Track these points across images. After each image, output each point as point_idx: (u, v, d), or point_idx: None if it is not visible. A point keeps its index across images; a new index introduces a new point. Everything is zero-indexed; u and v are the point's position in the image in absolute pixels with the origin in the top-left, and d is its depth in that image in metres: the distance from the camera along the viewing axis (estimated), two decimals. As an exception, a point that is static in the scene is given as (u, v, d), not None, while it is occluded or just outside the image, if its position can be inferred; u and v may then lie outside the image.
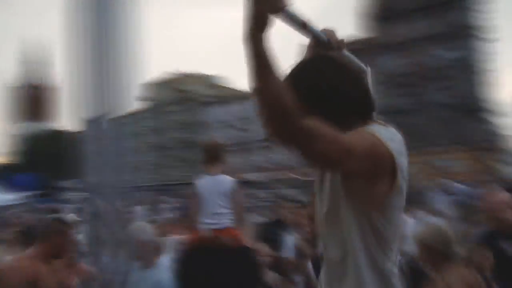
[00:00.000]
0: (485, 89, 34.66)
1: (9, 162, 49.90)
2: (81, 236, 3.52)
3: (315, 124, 1.21)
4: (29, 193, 17.57)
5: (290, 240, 5.14)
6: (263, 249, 4.57)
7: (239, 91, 44.45)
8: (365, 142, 1.27)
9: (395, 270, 1.41)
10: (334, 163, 1.25)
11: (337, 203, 1.42)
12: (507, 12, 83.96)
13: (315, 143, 1.20)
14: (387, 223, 1.39)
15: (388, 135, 1.35)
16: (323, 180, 1.49)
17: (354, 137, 1.27)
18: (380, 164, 1.30)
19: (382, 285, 1.39)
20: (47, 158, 43.06)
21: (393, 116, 34.68)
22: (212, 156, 4.00)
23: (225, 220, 3.80)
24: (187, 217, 3.96)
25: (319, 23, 1.48)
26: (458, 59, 34.24)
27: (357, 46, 34.87)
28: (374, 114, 1.47)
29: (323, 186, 1.49)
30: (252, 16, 1.17)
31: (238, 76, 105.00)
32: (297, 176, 22.43)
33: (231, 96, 45.89)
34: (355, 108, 1.41)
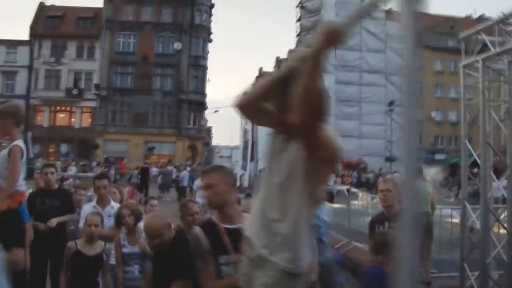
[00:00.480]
0: (202, 83, 39.53)
1: None
2: None
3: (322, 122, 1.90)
4: None
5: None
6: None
7: None
8: (334, 144, 1.99)
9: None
10: (318, 148, 1.91)
11: (293, 177, 1.95)
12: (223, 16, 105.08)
13: (319, 134, 1.90)
14: (319, 194, 2.22)
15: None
16: (278, 158, 2.02)
17: (330, 139, 1.98)
18: (334, 158, 2.02)
19: (310, 237, 2.10)
20: None
21: (118, 95, 38.04)
22: (16, 120, 3.97)
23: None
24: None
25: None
26: (182, 51, 38.44)
27: (89, 20, 38.72)
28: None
29: (279, 162, 2.01)
30: (324, 46, 1.72)
31: None
32: None
33: None
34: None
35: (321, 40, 1.70)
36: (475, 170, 6.87)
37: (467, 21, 45.72)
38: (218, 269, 2.47)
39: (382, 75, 35.07)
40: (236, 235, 2.35)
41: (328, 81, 31.11)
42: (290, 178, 1.97)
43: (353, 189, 14.42)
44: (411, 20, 1.35)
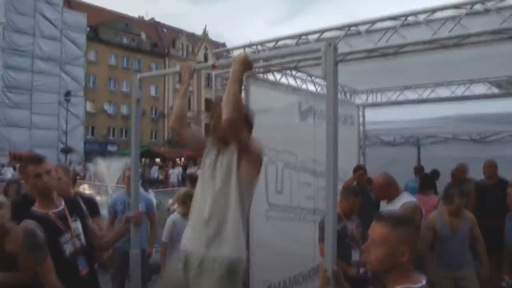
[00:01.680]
0: None
1: None
2: None
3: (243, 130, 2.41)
4: None
5: None
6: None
7: None
8: (259, 146, 2.51)
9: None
10: (247, 149, 2.41)
11: (228, 177, 2.43)
12: None
13: (242, 138, 2.38)
14: (252, 195, 2.55)
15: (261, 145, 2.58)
16: (216, 164, 2.52)
17: (256, 142, 2.50)
18: (260, 158, 2.49)
19: (244, 234, 2.48)
20: None
21: None
22: None
23: None
24: None
25: None
26: None
27: None
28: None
29: (216, 167, 2.51)
30: (241, 70, 2.41)
31: None
32: None
33: None
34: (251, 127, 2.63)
35: (239, 65, 2.42)
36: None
37: (140, 21, 49.34)
38: (61, 249, 2.70)
39: (57, 63, 33.92)
40: (63, 216, 2.77)
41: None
42: (227, 181, 2.44)
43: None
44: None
